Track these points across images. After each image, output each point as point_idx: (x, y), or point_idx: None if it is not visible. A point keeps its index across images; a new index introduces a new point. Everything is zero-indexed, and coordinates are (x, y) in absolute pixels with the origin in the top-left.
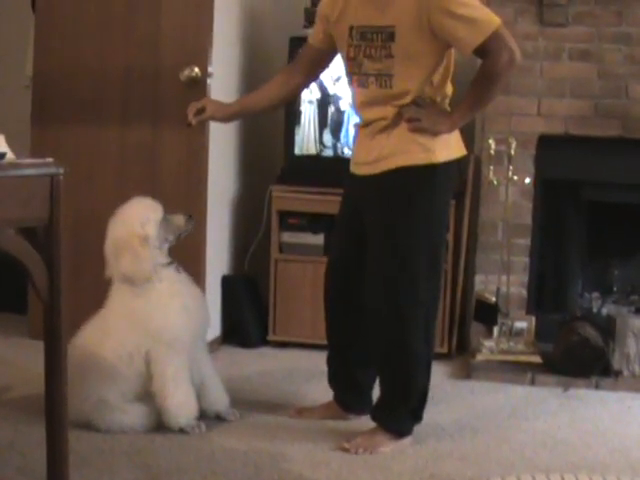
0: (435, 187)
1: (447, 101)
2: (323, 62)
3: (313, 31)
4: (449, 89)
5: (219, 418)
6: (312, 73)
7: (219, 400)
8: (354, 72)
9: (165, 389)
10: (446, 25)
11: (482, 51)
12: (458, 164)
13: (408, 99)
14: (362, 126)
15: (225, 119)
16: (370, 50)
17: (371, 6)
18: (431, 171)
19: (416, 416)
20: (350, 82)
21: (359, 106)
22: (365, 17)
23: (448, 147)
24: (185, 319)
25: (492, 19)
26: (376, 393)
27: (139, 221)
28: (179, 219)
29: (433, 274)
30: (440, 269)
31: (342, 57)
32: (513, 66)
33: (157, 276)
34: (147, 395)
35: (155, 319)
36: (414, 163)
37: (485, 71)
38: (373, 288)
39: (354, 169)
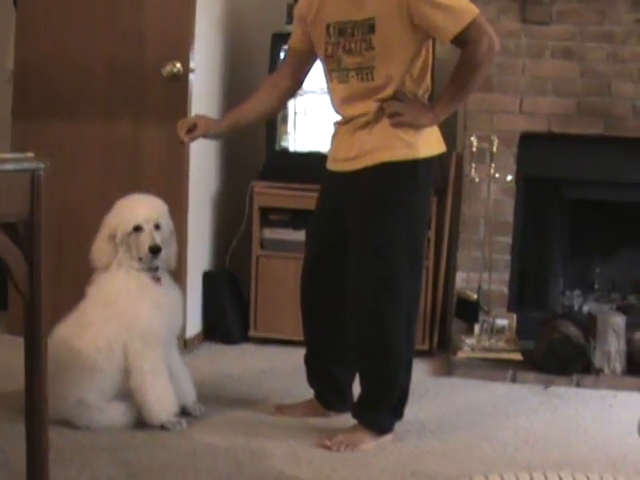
0: (417, 183)
1: (427, 95)
2: (307, 64)
3: (293, 34)
4: (429, 82)
5: (184, 412)
6: (297, 77)
7: (186, 394)
8: (333, 69)
9: (144, 385)
10: (426, 14)
11: (462, 40)
12: (439, 160)
13: (389, 91)
14: (342, 123)
15: (218, 135)
16: (350, 45)
17: (348, 1)
18: (413, 167)
19: (397, 413)
20: (329, 80)
21: (339, 103)
22: (342, 13)
23: (429, 143)
24: (157, 316)
25: (471, 8)
26: (357, 390)
27: (117, 222)
28: (143, 243)
29: (414, 271)
30: (421, 266)
31: (320, 55)
32: (493, 54)
33: (129, 276)
34: (126, 392)
35: (128, 312)
36: (396, 159)
37: (465, 60)
38: (354, 285)
39: (333, 166)
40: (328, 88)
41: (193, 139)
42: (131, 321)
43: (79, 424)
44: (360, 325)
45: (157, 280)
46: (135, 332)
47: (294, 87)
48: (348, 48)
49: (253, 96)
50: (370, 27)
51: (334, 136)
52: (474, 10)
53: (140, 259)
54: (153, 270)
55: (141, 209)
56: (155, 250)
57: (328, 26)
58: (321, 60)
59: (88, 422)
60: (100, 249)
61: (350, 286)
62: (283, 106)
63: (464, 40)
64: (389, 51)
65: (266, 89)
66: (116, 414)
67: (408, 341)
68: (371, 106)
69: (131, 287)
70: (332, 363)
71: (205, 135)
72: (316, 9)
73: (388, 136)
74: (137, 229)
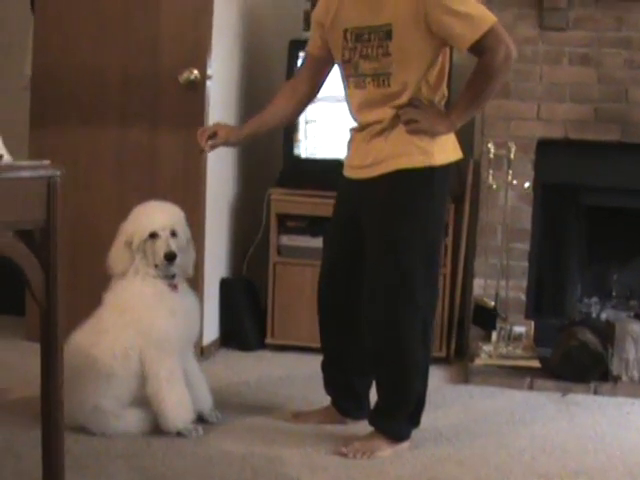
0: (433, 190)
1: (443, 102)
2: (324, 69)
3: (310, 40)
4: (445, 90)
5: (201, 419)
6: (315, 82)
7: (203, 400)
8: (350, 74)
9: (161, 392)
10: (443, 21)
11: (479, 48)
12: (456, 167)
13: (405, 98)
14: (358, 130)
15: (238, 142)
16: (367, 50)
17: (365, 7)
18: (429, 174)
19: (414, 421)
20: (346, 86)
21: (356, 109)
22: (359, 19)
23: (446, 150)
24: (173, 323)
25: (488, 16)
26: (373, 397)
27: (134, 229)
28: (159, 250)
29: (431, 278)
30: (438, 273)
31: (337, 61)
32: (510, 62)
33: (145, 283)
34: (142, 399)
35: (144, 319)
36: (413, 166)
37: (482, 68)
38: (370, 292)
39: (349, 173)
40: (345, 94)
41: (214, 147)
42: (147, 328)
43: (95, 430)
44: (376, 332)
45: (174, 287)
46: (151, 339)
47: (312, 92)
48: (365, 54)
49: (271, 103)
50: (387, 33)
51: (350, 143)
52: (491, 18)
53: (156, 266)
54: (170, 277)
55: (157, 216)
56: (170, 257)
57: (345, 31)
58: (338, 65)
59: (104, 429)
60: (117, 256)
61: (366, 293)
62: (301, 111)
63: (481, 48)
64: (406, 57)
65: (284, 95)
66: (132, 421)
67: (425, 348)
68: (387, 113)
69: (147, 294)
70: (349, 371)
71: (226, 143)
72: (333, 14)
73: (404, 143)
74: (153, 236)
